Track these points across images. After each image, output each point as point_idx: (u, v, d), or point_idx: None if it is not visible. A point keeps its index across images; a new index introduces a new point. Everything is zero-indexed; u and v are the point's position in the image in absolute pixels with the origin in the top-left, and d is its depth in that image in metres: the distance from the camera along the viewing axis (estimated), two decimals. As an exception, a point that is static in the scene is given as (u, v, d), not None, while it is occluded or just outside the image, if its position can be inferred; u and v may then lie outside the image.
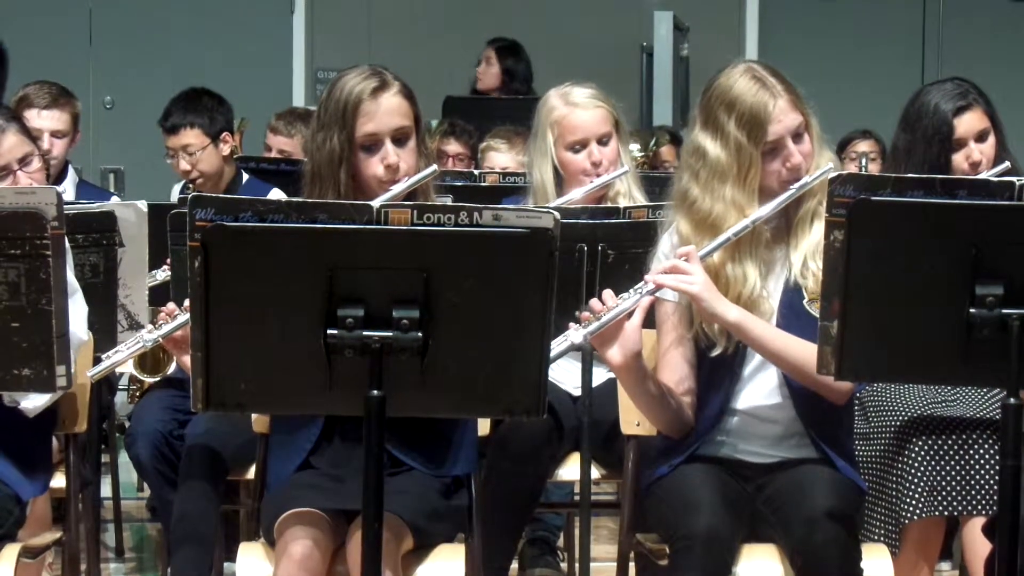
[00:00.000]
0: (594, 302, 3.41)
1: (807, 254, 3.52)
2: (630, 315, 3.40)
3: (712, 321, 3.49)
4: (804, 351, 3.41)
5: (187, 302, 2.92)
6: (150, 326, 3.53)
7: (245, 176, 5.64)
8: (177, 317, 3.43)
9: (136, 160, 7.93)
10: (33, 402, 3.59)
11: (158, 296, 4.46)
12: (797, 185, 3.51)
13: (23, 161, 4.01)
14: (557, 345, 3.29)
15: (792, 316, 3.51)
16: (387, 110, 3.52)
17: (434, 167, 3.56)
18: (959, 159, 4.34)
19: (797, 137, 3.54)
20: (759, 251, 3.55)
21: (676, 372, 3.57)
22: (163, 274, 4.67)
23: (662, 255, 3.61)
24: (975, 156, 4.35)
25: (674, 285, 3.44)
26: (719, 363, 3.54)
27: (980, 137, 4.37)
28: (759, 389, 3.56)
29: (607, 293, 3.42)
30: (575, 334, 3.38)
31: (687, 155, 3.61)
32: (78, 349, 3.65)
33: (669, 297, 3.57)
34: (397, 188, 3.49)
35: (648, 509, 3.58)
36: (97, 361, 3.77)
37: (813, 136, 3.57)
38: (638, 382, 3.49)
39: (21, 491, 3.59)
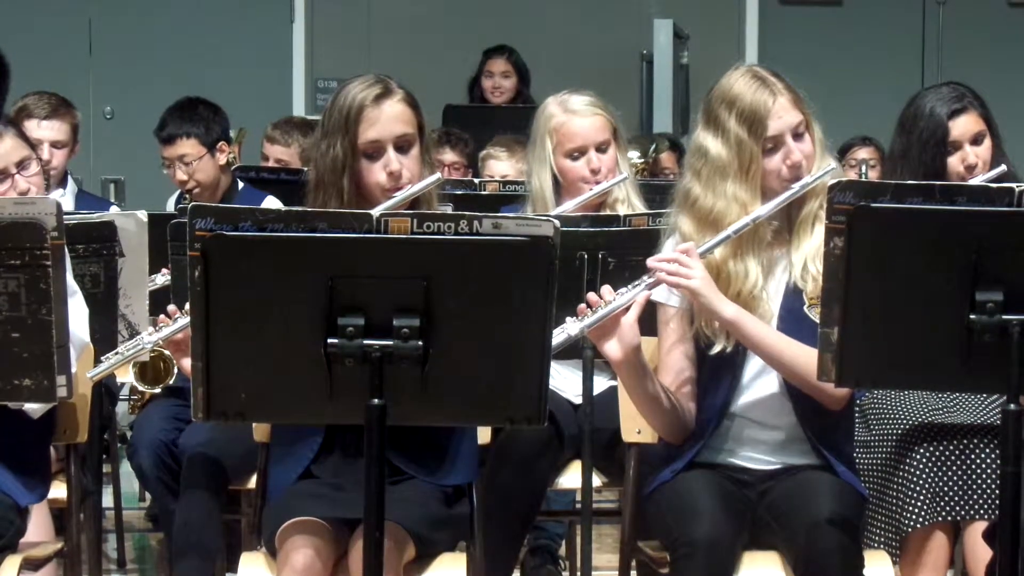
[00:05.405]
0: (591, 296, 3.41)
1: (808, 257, 3.52)
2: (627, 309, 3.41)
3: (710, 317, 3.49)
4: (801, 353, 3.41)
5: (187, 305, 2.91)
6: (150, 328, 3.53)
7: (241, 185, 5.63)
8: (177, 320, 3.43)
9: (136, 170, 7.90)
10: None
11: (158, 302, 4.44)
12: (799, 184, 3.52)
13: (21, 165, 4.02)
14: (555, 337, 3.28)
15: (792, 320, 3.51)
16: (390, 117, 3.52)
17: (437, 175, 3.56)
18: (954, 162, 4.34)
19: (798, 136, 3.55)
20: (761, 249, 3.55)
21: (676, 366, 3.58)
22: (163, 279, 4.66)
23: (664, 257, 3.61)
24: (970, 159, 4.34)
25: (673, 281, 3.44)
26: (720, 366, 3.55)
27: (975, 140, 4.36)
28: (759, 394, 3.56)
29: (605, 288, 3.43)
30: (572, 327, 3.39)
31: (690, 157, 3.63)
32: (81, 350, 3.64)
33: (673, 303, 3.57)
34: (400, 196, 3.49)
35: (649, 516, 3.58)
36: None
37: (815, 139, 3.58)
38: (637, 379, 3.49)
39: (19, 498, 3.58)
